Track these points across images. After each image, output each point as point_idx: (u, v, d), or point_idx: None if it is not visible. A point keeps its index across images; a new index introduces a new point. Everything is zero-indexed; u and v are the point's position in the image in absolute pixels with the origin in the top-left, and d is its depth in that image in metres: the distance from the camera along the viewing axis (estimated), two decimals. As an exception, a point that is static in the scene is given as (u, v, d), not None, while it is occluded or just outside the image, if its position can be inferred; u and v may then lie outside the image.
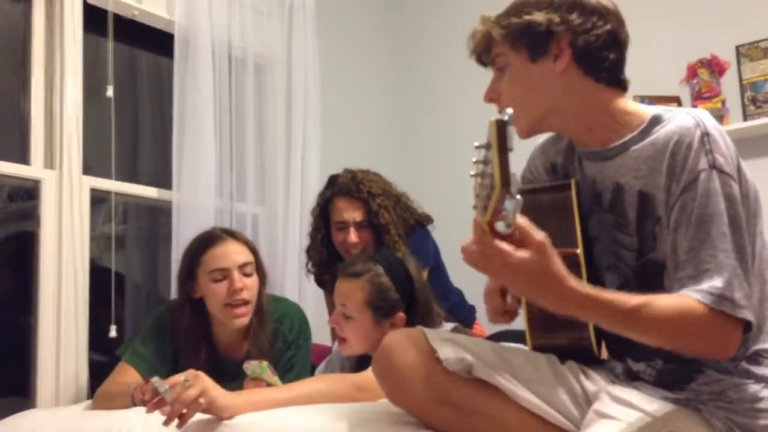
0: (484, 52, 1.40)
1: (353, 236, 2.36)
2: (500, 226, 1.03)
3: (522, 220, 1.07)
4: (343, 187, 2.41)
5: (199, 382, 1.50)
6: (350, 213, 2.37)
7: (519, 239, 1.07)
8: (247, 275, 2.00)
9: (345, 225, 2.38)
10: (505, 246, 1.05)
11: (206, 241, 2.03)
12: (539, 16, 1.32)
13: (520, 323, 1.39)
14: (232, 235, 2.06)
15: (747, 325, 1.18)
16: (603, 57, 1.34)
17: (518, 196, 0.99)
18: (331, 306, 2.62)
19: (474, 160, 1.02)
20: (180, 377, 1.50)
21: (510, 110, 0.99)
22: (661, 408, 1.23)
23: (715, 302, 1.15)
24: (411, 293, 1.84)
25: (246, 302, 1.97)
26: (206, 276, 1.98)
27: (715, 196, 1.20)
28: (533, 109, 1.36)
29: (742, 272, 1.18)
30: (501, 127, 0.99)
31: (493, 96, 1.40)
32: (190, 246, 2.07)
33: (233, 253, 1.99)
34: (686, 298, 1.17)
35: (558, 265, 1.09)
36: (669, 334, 1.18)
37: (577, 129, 1.38)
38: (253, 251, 2.06)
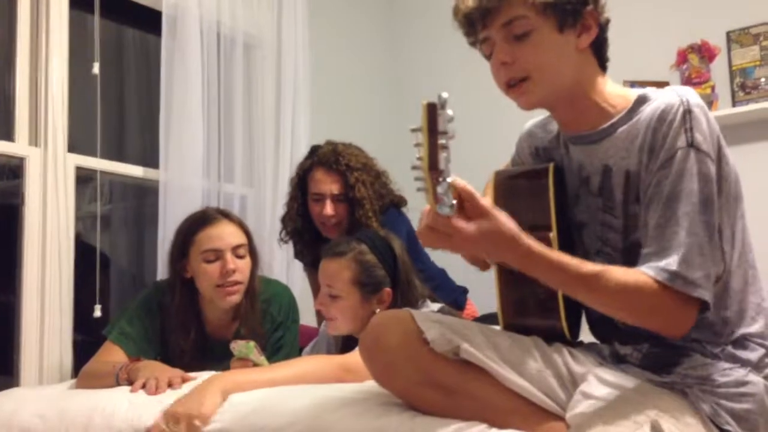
0: (494, 11, 1.28)
1: (329, 209, 2.36)
2: (441, 209, 1.06)
3: (466, 191, 1.12)
4: (322, 158, 2.39)
5: (182, 420, 1.44)
6: (328, 185, 2.36)
7: (470, 209, 1.13)
8: (240, 257, 1.99)
9: (322, 197, 2.38)
10: (458, 223, 1.11)
11: (200, 220, 2.02)
12: None
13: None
14: (227, 216, 2.05)
15: (705, 304, 1.19)
16: (606, 39, 1.36)
17: (448, 179, 1.01)
18: (314, 285, 2.62)
19: (414, 143, 1.02)
20: (162, 425, 1.45)
21: (445, 94, 0.99)
22: (648, 391, 1.23)
23: (668, 279, 1.17)
24: (395, 269, 1.85)
25: (237, 283, 1.96)
26: (198, 256, 1.96)
27: (688, 175, 1.20)
28: (556, 80, 1.31)
29: (707, 251, 1.19)
30: (431, 110, 0.99)
31: (507, 59, 1.30)
32: (184, 224, 2.05)
33: (227, 235, 1.98)
34: (641, 274, 1.19)
35: (509, 224, 1.14)
36: (620, 306, 1.21)
37: (575, 110, 1.36)
38: (247, 233, 2.05)
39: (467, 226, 1.11)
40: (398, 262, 1.86)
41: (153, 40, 2.83)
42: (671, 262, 1.17)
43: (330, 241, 2.18)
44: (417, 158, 1.04)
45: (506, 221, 1.14)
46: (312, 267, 2.59)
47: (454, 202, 1.06)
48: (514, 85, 1.32)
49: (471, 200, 1.13)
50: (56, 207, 2.35)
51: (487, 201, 1.14)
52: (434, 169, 1.00)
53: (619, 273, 1.19)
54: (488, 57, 1.36)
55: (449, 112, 1.00)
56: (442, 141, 1.01)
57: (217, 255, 1.95)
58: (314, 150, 2.46)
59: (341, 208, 2.37)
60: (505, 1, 1.28)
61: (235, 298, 1.97)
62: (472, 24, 1.33)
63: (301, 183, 2.46)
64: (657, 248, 1.20)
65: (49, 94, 2.39)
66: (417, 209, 2.47)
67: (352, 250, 1.82)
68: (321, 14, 3.39)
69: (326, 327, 1.91)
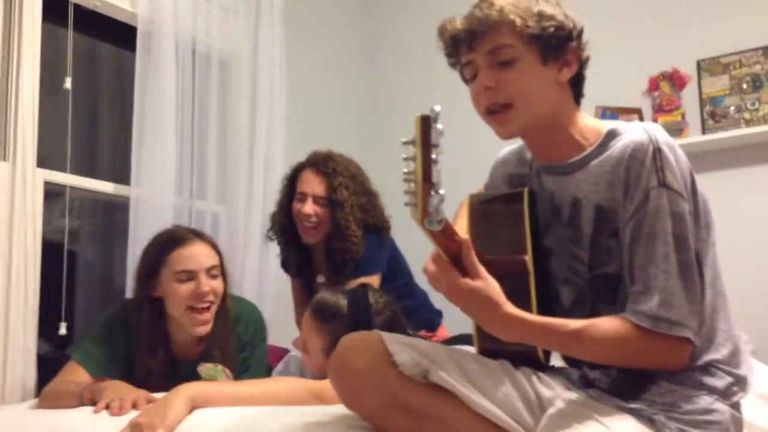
0: (482, 36, 1.31)
1: (308, 208, 2.38)
2: (429, 223, 1.04)
3: (468, 252, 1.16)
4: (312, 159, 2.45)
5: (145, 430, 1.42)
6: (312, 186, 2.39)
7: (465, 268, 1.17)
8: (214, 278, 1.96)
9: (304, 196, 2.40)
10: (454, 270, 1.16)
11: (173, 240, 1.98)
12: (564, 22, 1.32)
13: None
14: (199, 236, 2.01)
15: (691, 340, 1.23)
16: (584, 76, 1.39)
17: (442, 192, 1.00)
18: (296, 297, 2.61)
19: (404, 156, 1.01)
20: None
21: (437, 107, 0.99)
22: (614, 417, 1.23)
23: (651, 324, 1.21)
24: None
25: (211, 304, 1.94)
26: (171, 276, 1.93)
27: (663, 214, 1.23)
28: (536, 109, 1.33)
29: (683, 290, 1.22)
30: (425, 122, 0.99)
31: (492, 84, 1.32)
32: (154, 243, 2.01)
33: (201, 255, 1.95)
34: (625, 321, 1.22)
35: (497, 295, 1.18)
36: (609, 355, 1.25)
37: (549, 141, 1.38)
38: (219, 253, 2.02)
39: (460, 277, 1.16)
40: None
41: (127, 56, 2.81)
42: (653, 305, 1.21)
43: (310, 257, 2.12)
44: (405, 172, 1.03)
45: (494, 287, 1.18)
46: (295, 278, 2.59)
47: (444, 217, 1.05)
48: (495, 111, 1.34)
49: (471, 264, 1.16)
50: (23, 222, 2.31)
51: (484, 273, 1.18)
52: (428, 181, 1.00)
53: (603, 324, 1.22)
54: (468, 80, 1.39)
55: (440, 126, 1.00)
56: (433, 155, 1.00)
57: (191, 276, 1.92)
58: (311, 153, 2.51)
59: (323, 211, 2.39)
60: (494, 27, 1.30)
61: (207, 329, 1.94)
62: (457, 46, 1.36)
63: (290, 183, 2.49)
64: (642, 287, 1.24)
65: (19, 108, 2.35)
66: (405, 226, 2.49)
67: (333, 321, 1.78)
68: (297, 31, 3.40)
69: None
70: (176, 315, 1.95)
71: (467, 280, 1.16)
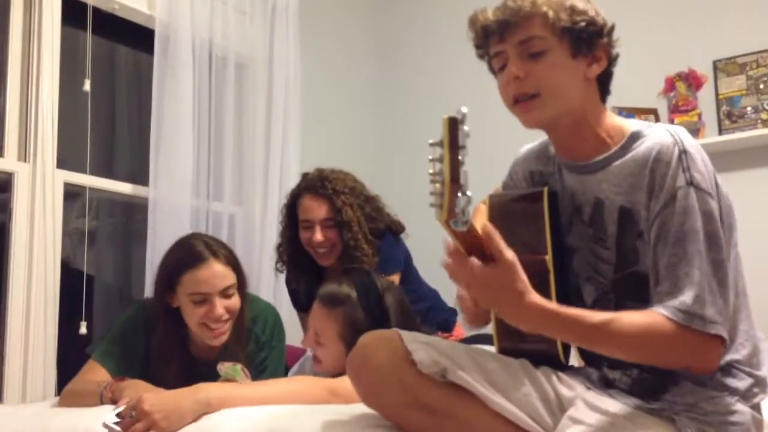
0: (514, 26, 1.31)
1: (318, 235, 2.33)
2: (455, 224, 1.04)
3: (495, 239, 1.11)
4: (309, 183, 2.38)
5: (146, 419, 1.47)
6: (315, 211, 2.34)
7: (491, 254, 1.12)
8: (229, 297, 1.93)
9: (311, 223, 2.35)
10: (475, 260, 1.11)
11: (189, 259, 1.92)
12: (595, 17, 1.33)
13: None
14: (215, 254, 1.94)
15: (723, 340, 1.21)
16: (612, 73, 1.39)
17: (468, 193, 1.00)
18: (305, 324, 2.59)
19: (430, 158, 1.02)
20: (129, 409, 1.48)
21: (464, 108, 0.99)
22: (635, 417, 1.23)
23: (684, 319, 1.18)
24: (383, 325, 1.73)
25: (226, 321, 1.93)
26: (186, 297, 1.91)
27: (692, 213, 1.22)
28: (564, 102, 1.33)
29: (717, 288, 1.20)
30: (453, 124, 0.99)
31: (521, 74, 1.32)
32: (170, 259, 1.98)
33: (216, 278, 1.90)
34: (654, 315, 1.19)
35: (522, 282, 1.13)
36: (637, 350, 1.21)
37: (575, 136, 1.38)
38: (236, 269, 1.97)
39: (482, 267, 1.11)
40: (389, 321, 1.76)
41: (145, 58, 2.83)
42: (686, 300, 1.19)
43: (324, 279, 2.12)
44: (430, 173, 1.03)
45: (523, 279, 1.13)
46: (304, 312, 2.51)
47: (469, 218, 1.05)
48: (521, 100, 1.34)
49: (497, 251, 1.12)
50: (43, 223, 2.34)
51: (511, 254, 1.12)
52: (455, 182, 1.01)
53: (631, 317, 1.19)
54: (496, 71, 1.39)
55: (466, 127, 1.01)
56: (460, 156, 1.01)
57: (205, 297, 1.89)
58: (303, 177, 2.46)
59: (332, 233, 2.34)
60: (526, 18, 1.31)
61: (223, 338, 1.93)
62: (488, 36, 1.36)
63: (290, 211, 2.44)
64: (672, 287, 1.21)
65: (39, 110, 2.38)
66: (420, 228, 2.49)
67: (343, 304, 1.77)
68: (313, 34, 3.41)
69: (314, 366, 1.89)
70: (193, 329, 1.95)
71: (490, 269, 1.11)
